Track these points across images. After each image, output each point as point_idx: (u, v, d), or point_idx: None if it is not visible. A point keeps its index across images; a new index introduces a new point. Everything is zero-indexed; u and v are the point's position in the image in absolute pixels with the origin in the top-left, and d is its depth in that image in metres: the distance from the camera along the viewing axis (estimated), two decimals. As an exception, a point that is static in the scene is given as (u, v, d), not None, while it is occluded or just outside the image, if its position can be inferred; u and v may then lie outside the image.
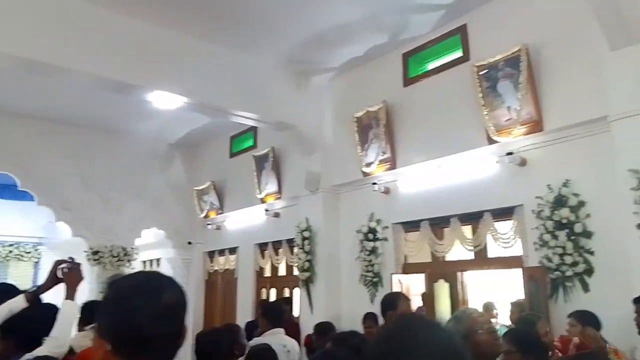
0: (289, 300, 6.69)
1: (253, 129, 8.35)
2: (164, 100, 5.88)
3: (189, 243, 9.75)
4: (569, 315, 3.79)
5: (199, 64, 5.85)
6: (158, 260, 11.16)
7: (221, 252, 9.25)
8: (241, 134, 8.84)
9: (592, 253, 4.23)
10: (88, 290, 8.60)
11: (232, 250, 8.95)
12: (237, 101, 6.25)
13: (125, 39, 5.26)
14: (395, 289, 5.76)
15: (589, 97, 4.22)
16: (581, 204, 4.32)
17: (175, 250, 9.85)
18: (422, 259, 5.82)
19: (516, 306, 4.57)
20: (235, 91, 6.16)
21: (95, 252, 8.57)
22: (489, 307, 5.40)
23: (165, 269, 10.37)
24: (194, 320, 9.02)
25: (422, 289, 5.55)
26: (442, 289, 5.41)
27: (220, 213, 9.06)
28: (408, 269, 5.91)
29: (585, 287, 4.24)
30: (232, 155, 9.09)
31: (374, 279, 6.09)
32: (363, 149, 6.28)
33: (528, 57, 4.57)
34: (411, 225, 5.89)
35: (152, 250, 11.02)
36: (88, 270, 8.77)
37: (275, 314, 3.93)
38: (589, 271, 4.23)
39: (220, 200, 9.05)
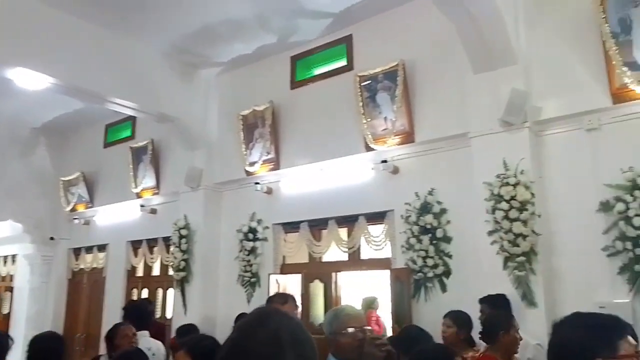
0: (150, 301, 6.35)
1: (131, 119, 7.83)
2: (28, 80, 5.27)
3: (52, 239, 8.84)
4: (445, 316, 3.80)
5: (74, 43, 5.35)
6: (14, 256, 9.99)
7: (89, 250, 8.54)
8: (118, 123, 8.25)
9: (450, 256, 4.64)
10: None
11: (102, 248, 8.31)
12: (115, 87, 5.83)
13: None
14: (273, 289, 5.80)
15: (454, 114, 4.62)
16: (443, 211, 4.72)
17: (34, 245, 8.86)
18: (299, 260, 5.93)
19: (365, 302, 4.88)
20: (113, 76, 5.74)
21: None
22: (369, 303, 5.61)
23: (22, 267, 9.32)
24: (53, 324, 8.22)
25: (299, 289, 5.64)
26: (318, 289, 5.55)
27: (90, 207, 8.36)
28: (286, 269, 5.98)
29: (444, 288, 4.63)
30: (107, 145, 8.45)
31: (252, 279, 6.06)
32: (248, 147, 6.23)
33: (404, 72, 4.89)
34: (291, 226, 5.96)
35: (7, 245, 9.84)
36: None
37: (140, 316, 3.72)
38: (447, 273, 4.64)
39: (90, 193, 8.36)
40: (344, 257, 5.54)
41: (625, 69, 3.72)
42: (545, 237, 4.00)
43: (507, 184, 4.05)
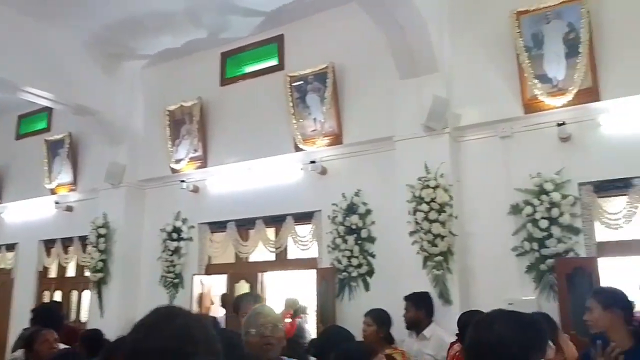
0: (60, 304, 5.97)
1: (47, 110, 7.31)
2: None
3: (-49, 237, 8.06)
4: (366, 315, 3.82)
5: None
6: None
7: (-5, 249, 7.87)
8: (32, 114, 7.69)
9: (374, 256, 4.75)
10: None
11: (10, 247, 7.71)
12: (30, 76, 5.44)
13: None
14: (196, 290, 5.66)
15: (381, 117, 4.74)
16: (368, 212, 4.83)
17: None
18: (225, 260, 5.82)
19: (288, 303, 4.92)
20: (28, 64, 5.37)
21: None
22: (291, 304, 5.52)
23: None
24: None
25: (223, 290, 5.53)
26: (243, 290, 5.47)
27: (-2, 203, 7.73)
28: (211, 269, 5.85)
29: (367, 287, 4.73)
30: (19, 137, 7.86)
31: (175, 280, 5.88)
32: (174, 144, 6.04)
33: (334, 74, 4.97)
34: (218, 226, 5.84)
35: None
36: None
37: (49, 319, 3.47)
38: (371, 272, 4.74)
39: (-1, 188, 7.72)
40: (271, 257, 5.52)
41: (536, 81, 4.00)
42: (461, 238, 4.21)
43: (428, 186, 4.21)
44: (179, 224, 5.96)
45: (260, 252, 5.63)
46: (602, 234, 3.95)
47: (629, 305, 2.56)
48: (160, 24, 5.56)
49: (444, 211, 4.14)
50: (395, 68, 4.49)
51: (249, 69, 5.86)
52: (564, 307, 3.76)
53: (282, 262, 5.46)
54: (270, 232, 5.49)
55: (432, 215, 4.15)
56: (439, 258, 4.10)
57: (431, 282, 4.15)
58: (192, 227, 5.93)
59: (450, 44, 4.55)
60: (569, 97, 3.87)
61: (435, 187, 4.19)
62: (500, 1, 4.29)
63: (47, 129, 7.46)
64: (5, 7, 5.08)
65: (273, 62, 5.63)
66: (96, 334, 3.56)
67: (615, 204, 3.92)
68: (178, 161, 5.94)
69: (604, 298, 2.57)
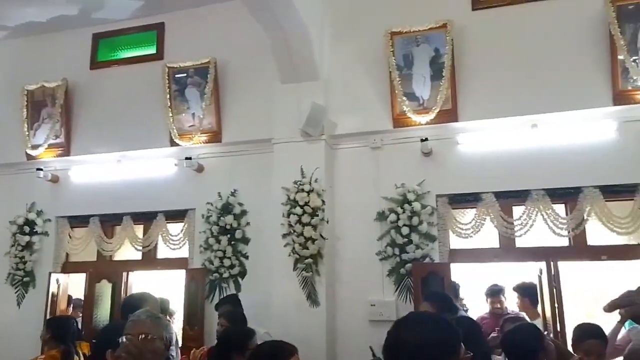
0: None
1: None
2: None
3: None
4: (220, 315, 3.87)
5: None
6: None
7: None
8: None
9: (247, 257, 4.72)
10: None
11: None
12: None
13: None
14: (53, 289, 5.16)
15: (261, 119, 4.72)
16: (244, 212, 4.79)
17: None
18: (86, 258, 5.38)
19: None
20: None
21: None
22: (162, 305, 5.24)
23: None
24: None
25: (82, 290, 5.11)
26: (105, 290, 5.11)
27: None
28: (68, 267, 5.36)
29: (238, 288, 4.68)
30: None
31: (25, 278, 5.30)
32: (31, 128, 5.45)
33: (216, 70, 4.84)
34: (79, 221, 5.39)
35: None
36: None
37: None
38: (243, 273, 4.71)
39: None
40: (138, 255, 5.22)
41: (404, 98, 4.28)
42: (330, 241, 4.35)
43: (303, 190, 4.30)
44: (32, 216, 5.37)
45: (126, 250, 5.30)
46: (454, 242, 4.35)
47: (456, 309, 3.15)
48: (23, -7, 4.98)
49: (317, 215, 4.25)
50: (277, 71, 4.51)
51: (125, 54, 5.47)
52: (418, 307, 4.07)
53: (150, 261, 5.19)
54: (139, 230, 5.19)
55: (305, 218, 4.24)
56: (309, 260, 4.21)
57: (300, 284, 4.24)
58: (49, 220, 5.39)
59: (330, 55, 4.67)
60: (432, 115, 4.21)
61: (310, 192, 4.29)
62: (378, 20, 4.51)
63: None
64: None
65: (151, 50, 5.33)
66: None
67: (466, 216, 4.34)
68: (35, 147, 5.36)
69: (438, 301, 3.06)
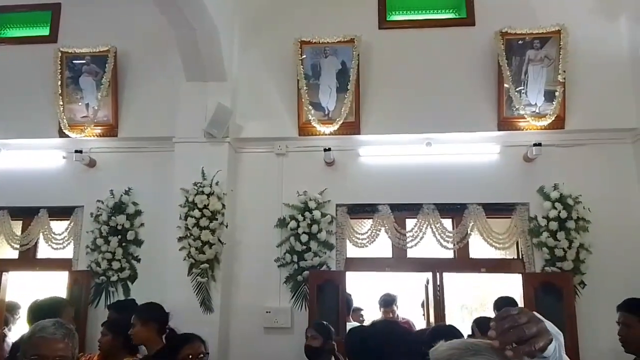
0: None
1: None
2: None
3: None
4: (102, 324, 3.54)
5: None
6: None
7: None
8: None
9: (138, 260, 4.49)
10: None
11: None
12: None
13: None
14: None
15: (162, 116, 4.50)
16: (138, 212, 4.56)
17: None
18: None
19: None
20: None
21: None
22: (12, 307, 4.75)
23: None
24: None
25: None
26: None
27: None
28: None
29: (127, 292, 4.44)
30: None
31: None
32: None
33: (115, 60, 4.56)
34: (-56, 214, 4.77)
35: None
36: None
37: None
38: (133, 277, 4.47)
39: None
40: (15, 254, 4.74)
41: (310, 107, 4.33)
42: (229, 246, 4.27)
43: (203, 192, 4.18)
44: None
45: (2, 248, 4.79)
46: (351, 250, 4.47)
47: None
48: None
49: (216, 219, 4.15)
50: (182, 68, 4.34)
51: (14, 33, 4.97)
52: (312, 314, 4.13)
53: (28, 261, 4.74)
54: (17, 226, 4.72)
55: (203, 222, 4.12)
56: (205, 265, 4.09)
57: (193, 289, 4.11)
58: None
59: (239, 57, 4.61)
60: (336, 126, 4.30)
61: (210, 194, 4.18)
62: (289, 27, 4.53)
63: None
64: None
65: (44, 31, 4.89)
66: None
67: (363, 226, 4.49)
68: None
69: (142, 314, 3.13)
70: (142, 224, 4.55)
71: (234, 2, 4.62)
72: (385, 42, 4.56)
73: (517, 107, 4.21)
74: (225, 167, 4.32)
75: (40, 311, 3.01)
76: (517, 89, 4.22)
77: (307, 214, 4.30)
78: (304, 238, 4.26)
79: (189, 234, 4.14)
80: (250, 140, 4.55)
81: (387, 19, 4.65)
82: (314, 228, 4.27)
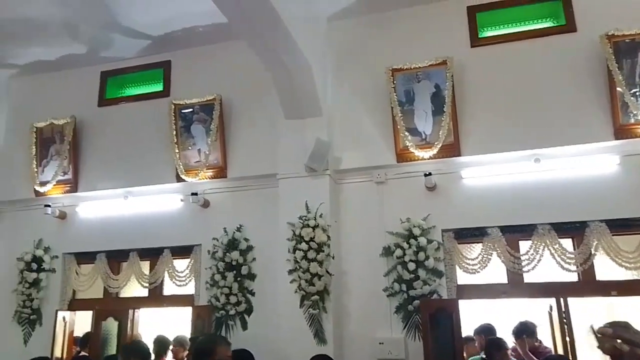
0: None
1: None
2: None
3: None
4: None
5: None
6: None
7: None
8: None
9: (253, 294, 4.70)
10: None
11: None
12: None
13: None
14: (60, 327, 5.13)
15: (266, 154, 4.76)
16: (250, 248, 4.79)
17: None
18: (92, 295, 5.37)
19: (177, 342, 4.70)
20: None
21: None
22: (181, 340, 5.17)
23: None
24: None
25: (88, 327, 5.10)
26: (112, 328, 5.09)
27: None
28: (75, 305, 5.35)
29: (245, 326, 4.65)
30: None
31: (32, 316, 5.29)
32: (40, 164, 5.51)
33: (221, 107, 4.91)
34: (86, 257, 5.39)
35: None
36: None
37: None
38: (249, 310, 4.68)
39: None
40: (144, 292, 5.21)
41: (407, 133, 4.32)
42: (337, 277, 4.33)
43: (308, 225, 4.30)
44: (40, 252, 5.40)
45: (133, 287, 5.29)
46: (462, 277, 4.31)
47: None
48: (33, 33, 5.11)
49: (322, 250, 4.24)
50: (280, 107, 4.56)
51: (132, 91, 5.57)
52: (427, 345, 4.01)
53: (156, 298, 5.17)
54: (145, 266, 5.19)
55: (311, 254, 4.24)
56: (316, 297, 4.18)
57: (306, 321, 4.21)
58: (56, 257, 5.41)
59: (332, 91, 4.75)
60: (435, 150, 4.24)
61: (315, 227, 4.29)
62: (378, 57, 4.60)
63: None
64: None
65: (158, 87, 5.42)
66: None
67: (473, 250, 4.32)
68: (44, 183, 5.41)
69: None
70: (254, 259, 4.77)
71: (324, 38, 4.80)
72: (479, 59, 4.45)
73: (634, 112, 3.85)
74: (328, 199, 4.42)
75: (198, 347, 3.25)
76: (632, 92, 3.87)
77: (412, 241, 4.25)
78: (412, 266, 4.20)
79: (298, 267, 4.27)
80: (349, 171, 4.62)
81: (479, 36, 4.54)
82: (421, 255, 4.20)
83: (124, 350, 3.61)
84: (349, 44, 4.86)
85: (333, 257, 4.29)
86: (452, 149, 4.27)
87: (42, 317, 5.28)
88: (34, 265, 5.35)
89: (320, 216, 4.33)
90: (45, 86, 5.85)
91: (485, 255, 4.19)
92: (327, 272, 4.23)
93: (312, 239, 4.27)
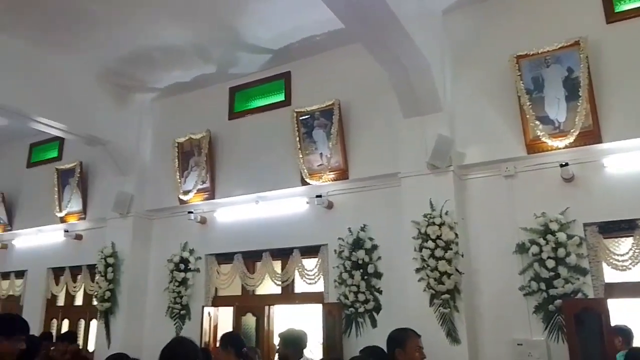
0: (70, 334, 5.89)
1: (59, 139, 7.47)
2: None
3: (-38, 263, 8.16)
4: (361, 351, 3.87)
5: (-1, 60, 5.06)
6: None
7: (5, 275, 7.98)
8: (43, 143, 7.84)
9: (380, 292, 4.76)
10: None
11: (19, 274, 7.78)
12: (42, 107, 5.55)
13: None
14: (205, 322, 5.66)
15: (386, 154, 4.80)
16: (374, 247, 4.86)
17: (-58, 271, 8.16)
18: (232, 292, 5.85)
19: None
20: (41, 95, 5.49)
21: None
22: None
23: None
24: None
25: (230, 322, 5.55)
26: (250, 323, 5.49)
27: (9, 230, 7.83)
28: (218, 302, 5.87)
29: (374, 323, 4.73)
30: (30, 165, 7.99)
31: (182, 312, 5.91)
32: (182, 175, 6.13)
33: (340, 111, 5.05)
34: (225, 258, 5.89)
35: None
36: None
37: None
38: (378, 308, 4.75)
39: (9, 215, 7.84)
40: (277, 290, 5.54)
41: (537, 122, 4.06)
42: (467, 276, 4.22)
43: (433, 223, 4.25)
44: (186, 254, 6.01)
45: (267, 285, 5.65)
46: (610, 275, 3.95)
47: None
48: (170, 58, 5.70)
49: (450, 249, 4.16)
50: (398, 106, 4.57)
51: (257, 103, 5.96)
52: (573, 348, 3.73)
53: (288, 295, 5.48)
54: (277, 265, 5.52)
55: (438, 252, 4.18)
56: (446, 296, 4.12)
57: (438, 320, 4.15)
58: (199, 258, 5.99)
59: (452, 85, 4.63)
60: (571, 139, 3.93)
61: (441, 225, 4.23)
62: (500, 45, 4.39)
63: (58, 158, 7.59)
64: (17, 40, 5.23)
65: (280, 97, 5.74)
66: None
67: (622, 246, 3.93)
68: (186, 192, 6.01)
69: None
70: (379, 257, 4.83)
71: (440, 32, 4.71)
72: (616, 36, 4.04)
73: None
74: (452, 196, 4.32)
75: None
76: None
77: (549, 237, 3.99)
78: (550, 263, 3.94)
79: (425, 265, 4.24)
80: (474, 166, 4.48)
81: (616, 11, 4.11)
82: (560, 252, 3.92)
83: (286, 339, 3.94)
84: (467, 35, 4.70)
85: (462, 255, 4.19)
86: (591, 136, 3.93)
87: (190, 312, 5.87)
88: (182, 266, 5.97)
89: (446, 213, 4.25)
90: (183, 105, 6.51)
91: (636, 250, 3.79)
92: (457, 270, 4.14)
93: (438, 237, 4.21)
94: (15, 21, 4.95)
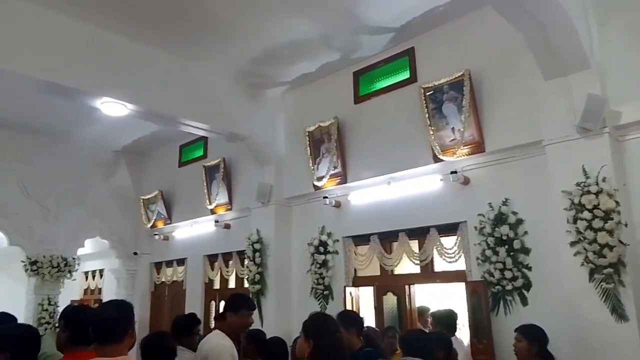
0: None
1: (203, 139, 8.26)
2: (112, 108, 5.68)
3: (135, 254, 9.47)
4: (516, 330, 3.80)
5: (149, 71, 5.72)
6: (101, 271, 10.78)
7: (169, 264, 9.05)
8: (191, 144, 8.71)
9: (529, 268, 4.49)
10: (26, 301, 8.23)
11: (181, 262, 8.78)
12: (188, 111, 6.16)
13: (71, 42, 5.07)
14: (348, 301, 5.87)
15: (526, 122, 4.49)
16: (519, 221, 4.59)
17: (119, 260, 9.55)
18: (371, 272, 5.96)
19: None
20: (186, 100, 6.09)
21: (34, 262, 8.16)
22: (422, 311, 5.43)
23: (109, 280, 10.05)
24: (139, 332, 8.71)
25: (371, 301, 5.68)
26: (391, 302, 5.56)
27: (168, 223, 8.87)
28: (358, 282, 6.03)
29: (524, 301, 4.48)
30: (181, 164, 8.93)
31: (325, 292, 6.17)
32: (315, 162, 6.37)
33: (471, 82, 4.82)
34: (361, 239, 6.02)
35: (95, 260, 10.65)
36: (25, 281, 8.37)
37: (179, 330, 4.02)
38: (527, 285, 4.49)
39: (168, 210, 8.86)
40: (417, 269, 5.52)
41: None
42: (632, 248, 3.80)
43: (589, 192, 3.90)
44: (324, 237, 6.26)
45: (406, 265, 5.66)
46: None
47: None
48: (296, 52, 5.93)
49: (611, 218, 3.79)
50: (537, 69, 4.23)
51: (381, 84, 5.94)
52: None
53: (428, 274, 5.43)
54: (414, 245, 5.49)
55: (597, 223, 3.83)
56: (609, 270, 3.76)
57: (600, 296, 3.81)
58: (337, 240, 6.19)
59: (598, 36, 4.16)
60: None
61: (598, 193, 3.86)
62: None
63: (204, 156, 8.38)
64: (163, 53, 5.85)
65: (405, 75, 5.65)
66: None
67: None
68: (320, 178, 6.24)
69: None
70: (525, 232, 4.56)
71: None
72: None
73: None
74: (610, 161, 3.92)
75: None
76: None
77: None
78: None
79: (582, 238, 3.91)
80: (633, 125, 4.00)
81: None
82: None
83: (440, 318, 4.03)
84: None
85: (626, 225, 3.78)
86: None
87: (332, 292, 6.12)
88: (321, 249, 6.23)
89: (603, 180, 3.87)
90: (310, 95, 6.75)
91: None
92: (620, 241, 3.75)
93: (596, 207, 3.85)
94: (163, 37, 5.55)
